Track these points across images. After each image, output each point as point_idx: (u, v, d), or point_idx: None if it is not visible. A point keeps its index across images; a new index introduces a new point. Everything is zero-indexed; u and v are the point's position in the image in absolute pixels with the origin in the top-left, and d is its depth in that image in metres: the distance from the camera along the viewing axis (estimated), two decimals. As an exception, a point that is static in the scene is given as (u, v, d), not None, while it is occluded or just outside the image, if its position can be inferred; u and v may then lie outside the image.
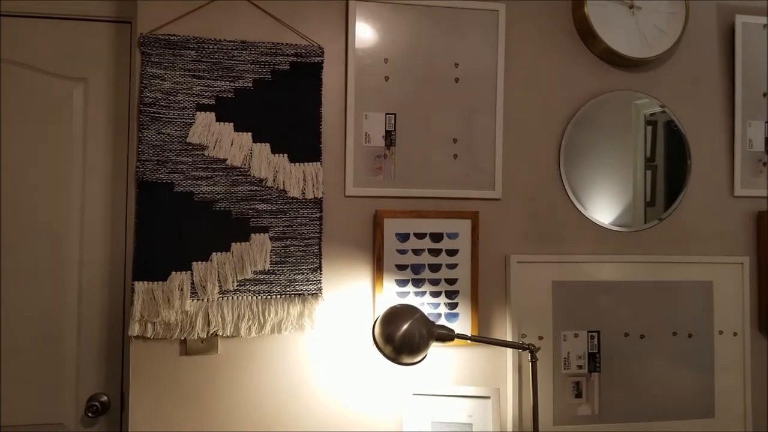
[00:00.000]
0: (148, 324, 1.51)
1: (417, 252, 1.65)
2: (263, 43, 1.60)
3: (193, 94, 1.56)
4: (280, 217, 1.59)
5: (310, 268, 1.59)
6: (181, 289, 1.52)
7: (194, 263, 1.54)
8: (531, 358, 1.53)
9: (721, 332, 1.78)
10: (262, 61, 1.60)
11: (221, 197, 1.56)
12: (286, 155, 1.60)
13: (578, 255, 1.73)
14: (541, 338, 1.69)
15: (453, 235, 1.66)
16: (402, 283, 1.64)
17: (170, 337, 1.52)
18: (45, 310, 1.69)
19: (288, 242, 1.59)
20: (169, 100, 1.55)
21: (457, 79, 1.69)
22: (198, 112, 1.57)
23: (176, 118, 1.55)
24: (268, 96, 1.60)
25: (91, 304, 1.71)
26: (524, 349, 1.54)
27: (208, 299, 1.54)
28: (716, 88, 1.85)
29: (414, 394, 1.59)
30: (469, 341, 1.57)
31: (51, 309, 1.69)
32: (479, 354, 1.68)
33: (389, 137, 1.66)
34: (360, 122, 1.64)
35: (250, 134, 1.59)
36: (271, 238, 1.58)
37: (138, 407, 1.52)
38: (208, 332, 1.53)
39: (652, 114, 1.80)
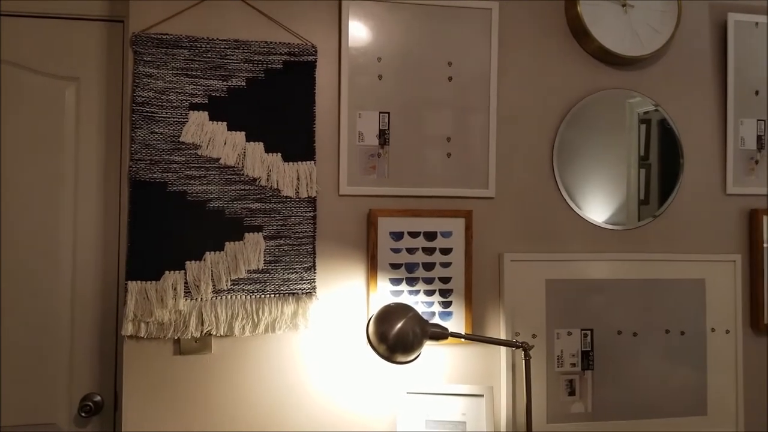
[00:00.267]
0: (142, 323, 1.51)
1: (411, 251, 1.65)
2: (256, 42, 1.59)
3: (186, 93, 1.56)
4: (274, 217, 1.59)
5: (304, 267, 1.59)
6: (175, 289, 1.52)
7: (188, 263, 1.53)
8: (524, 357, 1.54)
9: (713, 330, 1.79)
10: (255, 60, 1.59)
11: (215, 196, 1.56)
12: (279, 154, 1.60)
13: (572, 253, 1.74)
14: (534, 336, 1.70)
15: (447, 234, 1.67)
16: (396, 281, 1.64)
17: (164, 337, 1.52)
18: (37, 310, 1.68)
19: (282, 241, 1.59)
20: (162, 99, 1.55)
21: (450, 78, 1.69)
22: (191, 111, 1.56)
23: (169, 118, 1.55)
24: (262, 95, 1.60)
25: (84, 303, 1.71)
26: (518, 347, 1.55)
27: (201, 298, 1.53)
28: (709, 86, 1.86)
29: (408, 393, 1.59)
30: (462, 340, 1.57)
31: (44, 308, 1.69)
32: (473, 352, 1.68)
33: (383, 136, 1.66)
34: (353, 121, 1.64)
35: (243, 133, 1.58)
36: (264, 238, 1.58)
37: (131, 407, 1.52)
38: (201, 332, 1.53)
39: (646, 112, 1.80)
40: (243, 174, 1.57)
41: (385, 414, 1.63)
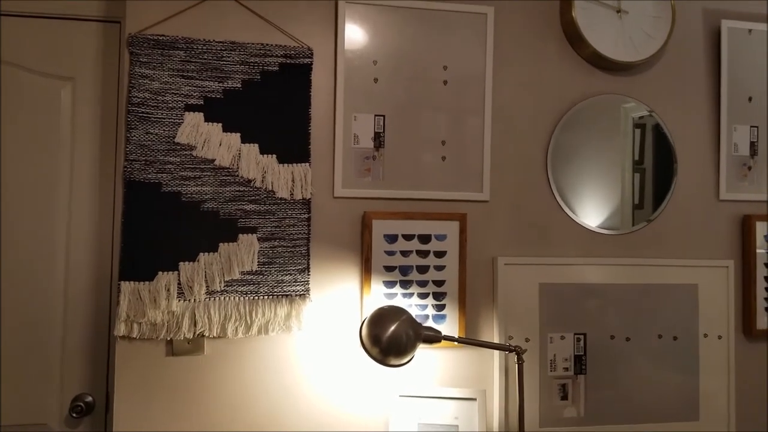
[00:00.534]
0: (134, 324, 1.51)
1: (405, 253, 1.65)
2: (252, 44, 1.60)
3: (182, 94, 1.56)
4: (268, 218, 1.59)
5: (298, 269, 1.59)
6: (168, 290, 1.52)
7: (181, 263, 1.53)
8: (517, 360, 1.54)
9: (705, 335, 1.79)
10: (251, 62, 1.60)
11: (209, 197, 1.56)
12: (274, 156, 1.60)
13: (565, 257, 1.74)
14: (527, 340, 1.70)
15: (441, 237, 1.67)
16: (390, 284, 1.64)
17: (156, 338, 1.52)
18: (30, 309, 1.68)
19: (276, 243, 1.59)
20: (158, 100, 1.55)
21: (445, 82, 1.70)
22: (186, 113, 1.56)
23: (164, 118, 1.55)
24: (257, 97, 1.60)
25: (76, 303, 1.71)
26: (511, 351, 1.55)
27: (194, 300, 1.53)
28: (702, 92, 1.87)
29: (400, 396, 1.59)
30: (456, 343, 1.57)
31: (36, 308, 1.69)
32: (466, 356, 1.68)
33: (378, 139, 1.66)
34: (349, 123, 1.65)
35: (238, 135, 1.59)
36: (259, 239, 1.58)
37: (123, 408, 1.52)
38: (194, 333, 1.53)
39: (641, 117, 1.81)
40: (238, 175, 1.58)
41: (378, 417, 1.63)
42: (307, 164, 1.61)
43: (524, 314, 1.70)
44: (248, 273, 1.56)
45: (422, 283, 1.66)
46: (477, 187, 1.71)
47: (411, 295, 1.65)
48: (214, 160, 1.57)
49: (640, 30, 1.78)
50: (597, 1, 1.75)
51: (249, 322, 1.56)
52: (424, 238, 1.66)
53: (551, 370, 1.71)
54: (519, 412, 1.54)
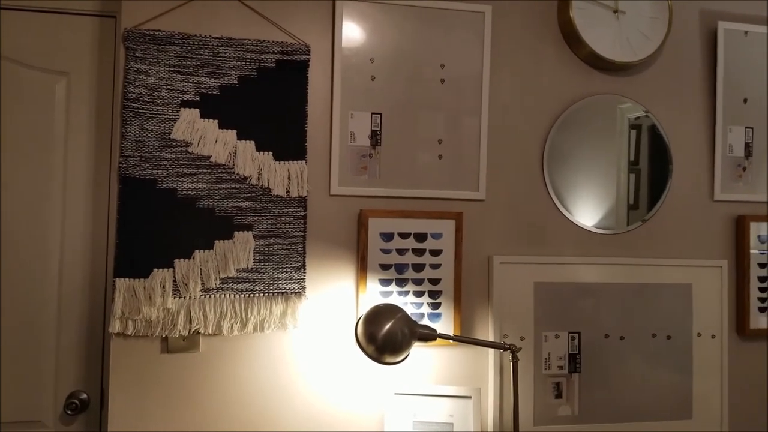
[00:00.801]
0: (129, 321, 1.50)
1: (401, 252, 1.65)
2: (249, 40, 1.59)
3: (178, 90, 1.55)
4: (264, 216, 1.58)
5: (293, 267, 1.59)
6: (163, 287, 1.51)
7: (176, 260, 1.53)
8: (512, 359, 1.55)
9: (699, 334, 1.80)
10: (248, 59, 1.59)
11: (205, 194, 1.56)
12: (271, 153, 1.59)
13: (560, 257, 1.75)
14: (522, 339, 1.70)
15: (437, 236, 1.67)
16: (386, 282, 1.64)
17: (151, 335, 1.51)
18: (24, 306, 1.67)
19: (272, 240, 1.58)
20: (153, 95, 1.54)
21: (443, 80, 1.70)
22: (182, 109, 1.56)
23: (160, 114, 1.54)
24: (254, 93, 1.59)
25: (71, 300, 1.70)
26: (505, 349, 1.55)
27: (190, 297, 1.53)
28: (698, 93, 1.88)
29: (396, 394, 1.60)
30: (451, 341, 1.57)
31: (30, 305, 1.67)
32: (461, 354, 1.69)
33: (375, 137, 1.66)
34: (345, 121, 1.64)
35: (234, 131, 1.58)
36: (254, 236, 1.57)
37: (118, 405, 1.51)
38: (189, 330, 1.52)
39: (637, 118, 1.82)
40: (234, 172, 1.57)
41: (373, 414, 1.63)
42: (304, 162, 1.61)
43: (519, 313, 1.71)
44: (244, 270, 1.56)
45: (418, 282, 1.66)
46: (473, 186, 1.71)
47: (407, 293, 1.65)
48: (209, 157, 1.56)
49: (638, 31, 1.78)
50: (594, 1, 1.76)
51: (244, 319, 1.56)
52: (420, 237, 1.66)
53: (546, 369, 1.71)
54: (513, 410, 1.54)
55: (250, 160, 1.58)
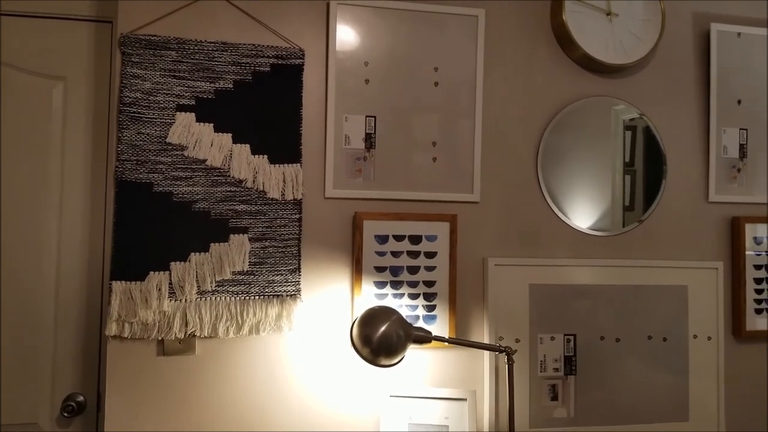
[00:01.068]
0: (126, 324, 1.51)
1: (396, 254, 1.66)
2: (244, 44, 1.60)
3: (174, 94, 1.57)
4: (260, 218, 1.59)
5: (289, 270, 1.60)
6: (159, 289, 1.52)
7: (172, 263, 1.54)
8: (507, 361, 1.55)
9: (695, 336, 1.80)
10: (243, 63, 1.60)
11: (200, 198, 1.57)
12: (266, 156, 1.60)
13: (555, 258, 1.75)
14: (517, 341, 1.71)
15: (432, 238, 1.68)
16: (380, 284, 1.65)
17: (147, 338, 1.52)
18: (21, 309, 1.68)
19: (267, 243, 1.59)
20: (149, 100, 1.55)
21: (436, 83, 1.71)
22: (178, 113, 1.57)
23: (156, 119, 1.56)
24: (249, 97, 1.60)
25: (68, 303, 1.70)
26: (501, 351, 1.55)
27: (186, 299, 1.54)
28: (692, 95, 1.88)
29: (391, 396, 1.60)
30: (446, 343, 1.58)
31: (27, 308, 1.68)
32: (456, 356, 1.69)
33: (369, 140, 1.67)
34: (340, 124, 1.65)
35: (230, 135, 1.59)
36: (250, 239, 1.58)
37: (114, 408, 1.52)
38: (185, 333, 1.53)
39: (632, 119, 1.82)
40: (229, 175, 1.58)
41: (369, 416, 1.63)
42: (299, 165, 1.61)
43: (514, 315, 1.71)
44: (239, 273, 1.57)
45: (413, 284, 1.66)
46: (467, 189, 1.72)
47: (402, 295, 1.66)
48: (205, 161, 1.57)
49: (630, 33, 1.79)
50: (587, 4, 1.77)
51: (240, 322, 1.56)
52: (415, 239, 1.67)
53: (541, 371, 1.72)
54: (509, 412, 1.54)
55: (246, 164, 1.59)
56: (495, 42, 1.76)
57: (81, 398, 1.69)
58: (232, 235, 1.57)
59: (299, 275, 1.60)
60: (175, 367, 1.55)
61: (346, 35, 1.66)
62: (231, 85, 1.59)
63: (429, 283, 1.67)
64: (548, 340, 1.73)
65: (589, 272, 1.76)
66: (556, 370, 1.72)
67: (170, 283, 1.53)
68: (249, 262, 1.57)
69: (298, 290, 1.60)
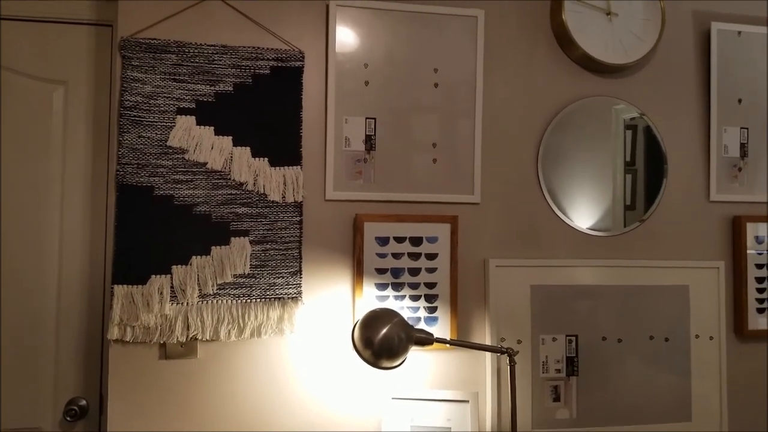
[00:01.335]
0: (128, 328, 1.51)
1: (397, 256, 1.66)
2: (244, 47, 1.60)
3: (174, 97, 1.57)
4: (261, 221, 1.59)
5: (290, 272, 1.60)
6: (161, 293, 1.52)
7: (174, 267, 1.54)
8: (509, 362, 1.55)
9: (697, 336, 1.80)
10: (243, 66, 1.60)
11: (201, 201, 1.57)
12: (266, 159, 1.60)
13: (557, 259, 1.75)
14: (519, 342, 1.70)
15: (432, 239, 1.68)
16: (382, 286, 1.65)
17: (149, 341, 1.52)
18: (23, 313, 1.68)
19: (268, 246, 1.59)
20: (150, 103, 1.55)
21: (436, 84, 1.71)
22: (178, 116, 1.57)
23: (156, 122, 1.56)
24: (249, 100, 1.60)
25: (69, 307, 1.71)
26: (502, 352, 1.55)
27: (187, 303, 1.54)
28: (692, 94, 1.88)
29: (393, 398, 1.60)
30: (448, 345, 1.57)
31: (29, 312, 1.69)
32: (458, 358, 1.69)
33: (369, 141, 1.67)
34: (340, 126, 1.65)
35: (230, 138, 1.59)
36: (251, 242, 1.58)
37: (117, 411, 1.52)
38: (187, 336, 1.53)
39: (632, 118, 1.82)
40: (230, 178, 1.58)
41: (371, 419, 1.63)
42: (299, 167, 1.61)
43: (516, 316, 1.71)
44: (241, 276, 1.57)
45: (414, 286, 1.66)
46: (468, 190, 1.72)
47: (403, 297, 1.66)
48: (206, 164, 1.57)
49: (630, 32, 1.79)
50: (587, 3, 1.76)
51: (242, 325, 1.56)
52: (416, 241, 1.67)
53: (543, 372, 1.71)
54: (511, 413, 1.54)
55: (246, 167, 1.59)
56: (494, 42, 1.75)
57: (83, 402, 1.70)
58: (233, 238, 1.57)
59: (300, 278, 1.60)
60: (177, 371, 1.55)
61: (346, 37, 1.66)
62: (231, 88, 1.60)
63: (430, 285, 1.67)
64: (550, 341, 1.72)
65: (590, 273, 1.76)
66: (558, 371, 1.72)
67: (172, 287, 1.53)
68: (250, 264, 1.58)
69: (300, 293, 1.60)
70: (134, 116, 1.55)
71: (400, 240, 1.66)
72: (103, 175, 1.73)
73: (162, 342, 1.54)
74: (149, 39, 1.56)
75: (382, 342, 1.48)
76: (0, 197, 1.68)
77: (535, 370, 1.71)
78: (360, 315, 1.58)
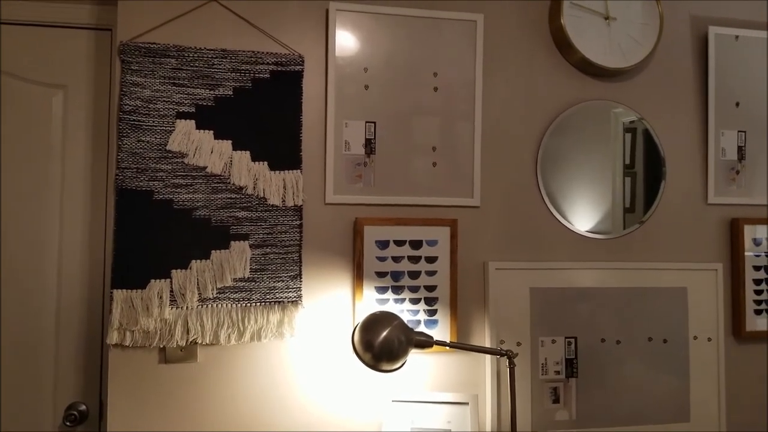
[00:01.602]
0: (127, 332, 1.51)
1: (396, 259, 1.66)
2: (244, 51, 1.61)
3: (173, 101, 1.57)
4: (260, 225, 1.59)
5: (290, 276, 1.60)
6: (160, 297, 1.52)
7: (173, 271, 1.54)
8: (509, 364, 1.55)
9: (695, 338, 1.81)
10: (243, 70, 1.60)
11: (201, 205, 1.57)
12: (266, 163, 1.60)
13: (556, 262, 1.76)
14: (519, 344, 1.71)
15: (432, 243, 1.68)
16: (382, 290, 1.65)
17: (149, 346, 1.52)
18: (23, 318, 1.68)
19: (268, 250, 1.59)
20: (149, 107, 1.55)
21: (436, 88, 1.71)
22: (178, 120, 1.57)
23: (156, 126, 1.56)
24: (249, 104, 1.60)
25: (69, 311, 1.71)
26: (502, 355, 1.56)
27: (187, 307, 1.54)
28: (690, 97, 1.89)
29: (393, 401, 1.60)
30: (447, 348, 1.58)
31: (29, 317, 1.68)
32: (458, 360, 1.69)
33: (369, 145, 1.67)
34: (340, 130, 1.66)
35: (230, 142, 1.59)
36: (251, 246, 1.58)
37: (117, 416, 1.52)
38: (187, 340, 1.53)
39: (632, 122, 1.83)
40: (229, 182, 1.58)
41: (371, 421, 1.64)
42: (299, 171, 1.62)
43: (515, 318, 1.71)
44: (240, 280, 1.57)
45: (414, 289, 1.67)
46: (468, 193, 1.72)
47: (403, 300, 1.66)
48: (205, 168, 1.57)
49: (629, 36, 1.80)
50: (585, 8, 1.77)
51: (242, 328, 1.56)
52: (416, 244, 1.67)
53: (543, 374, 1.72)
54: (511, 415, 1.55)
55: (246, 170, 1.59)
56: (494, 46, 1.76)
57: (83, 407, 1.70)
58: (232, 242, 1.57)
59: (300, 281, 1.60)
60: (177, 375, 1.55)
61: (346, 41, 1.66)
62: (231, 92, 1.60)
63: (430, 288, 1.67)
64: (549, 343, 1.73)
65: (589, 275, 1.76)
66: (558, 372, 1.73)
67: (171, 291, 1.53)
68: (250, 268, 1.58)
69: (300, 296, 1.60)
70: (134, 120, 1.54)
71: (400, 243, 1.66)
72: (103, 180, 1.73)
73: (162, 346, 1.54)
74: (149, 43, 1.56)
75: (382, 345, 1.48)
76: (0, 201, 1.69)
77: (535, 372, 1.71)
78: (360, 318, 1.58)
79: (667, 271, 1.80)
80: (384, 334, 1.48)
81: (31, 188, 1.70)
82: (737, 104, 1.89)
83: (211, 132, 1.58)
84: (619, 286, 1.77)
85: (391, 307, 1.65)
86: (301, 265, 1.60)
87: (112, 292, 1.51)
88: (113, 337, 1.50)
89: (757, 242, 1.87)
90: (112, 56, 1.71)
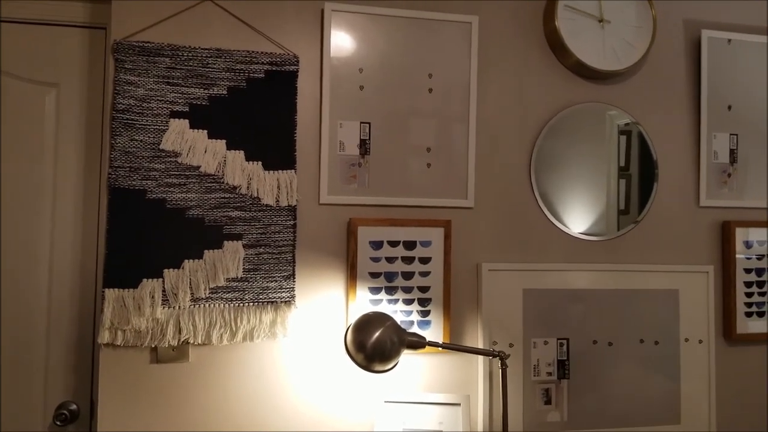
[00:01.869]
0: (119, 331, 1.50)
1: (390, 260, 1.66)
2: (238, 51, 1.60)
3: (167, 101, 1.56)
4: (254, 225, 1.59)
5: (283, 276, 1.60)
6: (152, 297, 1.52)
7: (166, 270, 1.53)
8: (501, 366, 1.55)
9: (686, 340, 1.82)
10: (237, 69, 1.60)
11: (194, 204, 1.56)
12: (260, 163, 1.60)
13: (549, 263, 1.76)
14: (511, 345, 1.71)
15: (426, 243, 1.68)
16: (375, 290, 1.65)
17: (141, 345, 1.51)
18: (13, 316, 1.67)
19: (261, 250, 1.59)
20: (143, 106, 1.55)
21: (431, 89, 1.71)
22: (172, 119, 1.56)
23: (149, 125, 1.55)
24: (243, 104, 1.60)
25: (60, 310, 1.70)
26: (494, 356, 1.56)
27: (179, 307, 1.53)
28: (683, 100, 1.90)
29: (385, 401, 1.60)
30: (440, 348, 1.58)
31: (19, 315, 1.67)
32: (450, 361, 1.69)
33: (364, 146, 1.67)
34: (335, 131, 1.66)
35: (224, 141, 1.59)
36: (244, 246, 1.58)
37: (107, 416, 1.51)
38: (179, 340, 1.53)
39: (626, 124, 1.84)
40: (223, 182, 1.58)
41: (363, 422, 1.64)
42: (293, 171, 1.62)
43: (508, 320, 1.72)
44: (233, 280, 1.57)
45: (407, 289, 1.67)
46: (462, 194, 1.72)
47: (396, 301, 1.66)
48: (199, 167, 1.57)
49: (622, 39, 1.80)
50: (580, 11, 1.78)
51: (234, 328, 1.56)
52: (410, 245, 1.67)
53: (535, 375, 1.72)
54: (503, 416, 1.55)
55: (240, 170, 1.59)
56: (488, 48, 1.76)
57: (74, 406, 1.69)
58: (226, 242, 1.57)
59: (294, 281, 1.60)
60: (169, 375, 1.55)
61: (341, 42, 1.66)
62: (225, 92, 1.59)
63: (423, 289, 1.67)
64: (542, 345, 1.74)
65: (582, 277, 1.77)
66: (550, 374, 1.73)
67: (163, 291, 1.53)
68: (243, 268, 1.57)
69: (293, 296, 1.60)
70: (127, 119, 1.54)
71: (393, 244, 1.66)
72: (96, 178, 1.72)
73: (153, 346, 1.53)
74: (143, 42, 1.55)
75: (374, 345, 1.48)
76: (-10, 200, 1.67)
77: (527, 373, 1.72)
78: (353, 319, 1.58)
79: (659, 274, 1.81)
80: (377, 334, 1.48)
81: (23, 186, 1.69)
82: (729, 107, 1.90)
83: (205, 131, 1.58)
84: (611, 287, 1.78)
85: (385, 307, 1.65)
86: (294, 266, 1.60)
87: (103, 291, 1.50)
88: (104, 337, 1.49)
89: (748, 245, 1.88)
90: (105, 55, 1.71)
